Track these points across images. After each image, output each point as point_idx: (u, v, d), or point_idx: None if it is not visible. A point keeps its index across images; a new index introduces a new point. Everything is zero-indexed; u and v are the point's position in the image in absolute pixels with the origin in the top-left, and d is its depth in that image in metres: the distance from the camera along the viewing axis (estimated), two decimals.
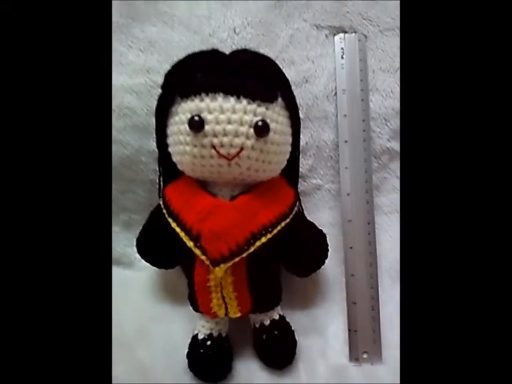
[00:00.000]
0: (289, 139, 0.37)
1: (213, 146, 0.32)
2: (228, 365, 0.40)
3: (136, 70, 0.44)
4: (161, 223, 0.37)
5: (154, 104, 0.43)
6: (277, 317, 0.42)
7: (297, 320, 0.44)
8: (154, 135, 0.39)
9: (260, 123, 0.32)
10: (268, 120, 0.33)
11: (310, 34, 0.45)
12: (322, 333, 0.45)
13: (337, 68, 0.46)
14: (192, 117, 0.32)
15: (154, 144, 0.43)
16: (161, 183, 0.41)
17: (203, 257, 0.34)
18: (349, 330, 0.43)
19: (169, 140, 0.36)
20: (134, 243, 0.42)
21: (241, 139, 0.32)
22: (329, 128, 0.47)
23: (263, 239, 0.34)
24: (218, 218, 0.33)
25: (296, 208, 0.39)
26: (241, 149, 0.32)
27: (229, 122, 0.32)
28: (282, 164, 0.37)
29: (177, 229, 0.35)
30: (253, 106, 0.32)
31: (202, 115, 0.32)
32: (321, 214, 0.49)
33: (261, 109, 0.32)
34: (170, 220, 0.36)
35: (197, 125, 0.32)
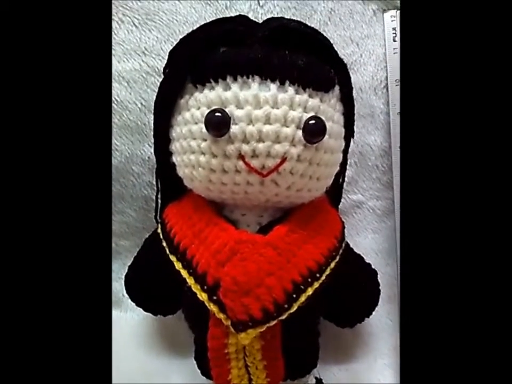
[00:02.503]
0: (343, 144, 0.26)
1: (241, 157, 0.22)
2: None
3: (128, 51, 0.35)
4: (159, 257, 0.27)
5: (151, 97, 0.33)
6: (312, 382, 0.32)
7: (332, 377, 0.35)
8: (150, 139, 0.30)
9: (312, 122, 0.22)
10: (323, 118, 0.22)
11: (354, 9, 0.37)
12: None
13: (388, 53, 0.37)
14: (212, 112, 0.21)
15: (150, 149, 0.34)
16: (159, 202, 0.31)
17: (221, 316, 0.23)
18: None
19: (175, 146, 0.26)
20: (123, 276, 0.33)
21: (284, 146, 0.22)
22: (377, 130, 0.38)
23: (309, 291, 0.24)
24: (247, 261, 0.23)
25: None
26: (283, 160, 0.22)
27: (268, 120, 0.21)
28: (330, 180, 0.27)
29: (184, 273, 0.25)
30: (304, 96, 0.22)
31: (228, 109, 0.22)
32: (362, 238, 0.40)
33: (314, 101, 0.22)
34: (173, 259, 0.26)
35: (218, 124, 0.21)
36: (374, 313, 0.37)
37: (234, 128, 0.21)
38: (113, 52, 0.34)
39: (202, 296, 0.24)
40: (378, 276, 0.33)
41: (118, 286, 0.38)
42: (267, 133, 0.21)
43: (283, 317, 0.23)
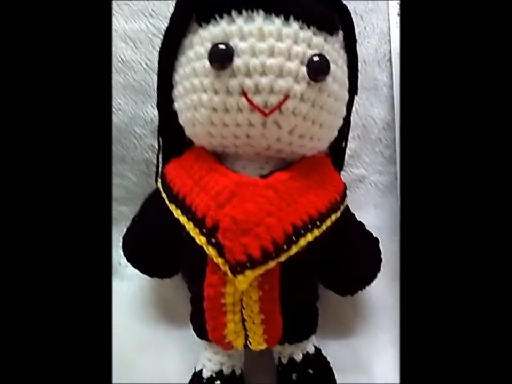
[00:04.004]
0: (347, 96, 0.26)
1: (244, 93, 0.22)
2: None
3: (135, 11, 0.35)
4: (159, 213, 0.27)
5: (156, 58, 0.33)
6: (311, 350, 0.31)
7: (332, 352, 0.33)
8: (153, 100, 0.29)
9: (316, 58, 0.22)
10: (327, 57, 0.22)
11: None
12: (366, 370, 0.35)
13: (391, 26, 0.37)
14: (216, 45, 0.21)
15: (153, 110, 0.33)
16: (161, 162, 0.31)
17: (219, 261, 0.23)
18: None
19: (177, 91, 0.26)
20: (120, 244, 0.32)
21: (288, 81, 0.22)
22: (380, 103, 0.38)
23: (309, 236, 0.24)
24: (246, 202, 0.23)
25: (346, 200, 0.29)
26: (286, 97, 0.22)
27: (271, 53, 0.21)
28: (333, 133, 0.27)
29: (183, 219, 0.24)
30: (308, 33, 0.22)
31: (231, 43, 0.22)
32: (364, 214, 0.39)
33: (318, 39, 0.22)
34: (172, 207, 0.26)
35: (221, 56, 0.21)
36: (376, 290, 0.37)
37: (237, 61, 0.21)
38: (120, 11, 0.34)
39: (201, 240, 0.23)
40: (381, 253, 0.32)
41: (115, 253, 0.38)
42: (270, 66, 0.21)
43: (282, 259, 0.23)
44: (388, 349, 0.35)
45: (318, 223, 0.24)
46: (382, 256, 0.32)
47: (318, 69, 0.22)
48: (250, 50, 0.21)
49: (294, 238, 0.23)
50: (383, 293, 0.37)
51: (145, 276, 0.33)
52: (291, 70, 0.22)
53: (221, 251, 0.23)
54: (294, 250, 0.23)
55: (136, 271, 0.32)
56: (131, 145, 0.36)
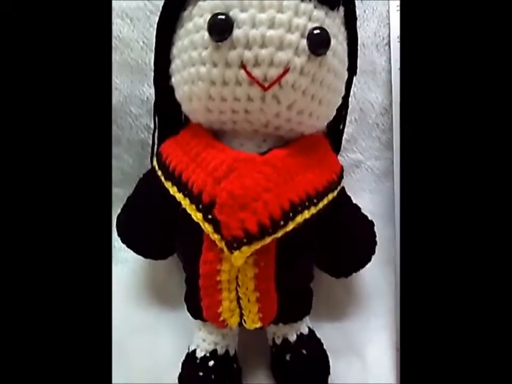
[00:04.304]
0: (346, 75, 0.26)
1: (243, 66, 0.21)
2: None
3: None
4: (154, 192, 0.27)
5: (153, 36, 0.32)
6: (305, 331, 0.31)
7: (325, 334, 0.34)
8: (150, 79, 0.29)
9: (317, 31, 0.21)
10: (328, 31, 0.22)
11: None
12: (359, 353, 0.35)
13: (391, 9, 0.37)
14: (215, 16, 0.21)
15: (150, 90, 0.33)
16: (156, 143, 0.30)
17: (216, 237, 0.23)
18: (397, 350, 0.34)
19: (175, 64, 0.25)
20: (114, 226, 0.31)
21: (288, 53, 0.21)
22: (377, 87, 0.37)
23: (306, 214, 0.24)
24: (244, 177, 0.22)
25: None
26: (286, 71, 0.22)
27: (272, 25, 0.21)
28: (332, 111, 0.27)
29: (179, 196, 0.24)
30: (309, 5, 0.22)
31: (231, 13, 0.21)
32: (359, 199, 0.38)
33: (320, 13, 0.22)
34: (168, 184, 0.25)
35: (221, 26, 0.21)
36: (370, 275, 0.37)
37: (237, 32, 0.21)
38: None
39: (197, 216, 0.23)
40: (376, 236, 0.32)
41: None
42: (270, 38, 0.21)
43: (278, 235, 0.23)
44: (380, 333, 0.35)
45: (315, 200, 0.24)
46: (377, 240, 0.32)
47: (318, 42, 0.22)
48: (250, 21, 0.21)
49: (291, 214, 0.23)
50: (376, 278, 0.37)
51: (139, 259, 0.33)
52: (291, 42, 0.21)
53: (217, 227, 0.22)
54: (290, 226, 0.23)
55: (130, 254, 0.32)
56: (127, 125, 0.35)
